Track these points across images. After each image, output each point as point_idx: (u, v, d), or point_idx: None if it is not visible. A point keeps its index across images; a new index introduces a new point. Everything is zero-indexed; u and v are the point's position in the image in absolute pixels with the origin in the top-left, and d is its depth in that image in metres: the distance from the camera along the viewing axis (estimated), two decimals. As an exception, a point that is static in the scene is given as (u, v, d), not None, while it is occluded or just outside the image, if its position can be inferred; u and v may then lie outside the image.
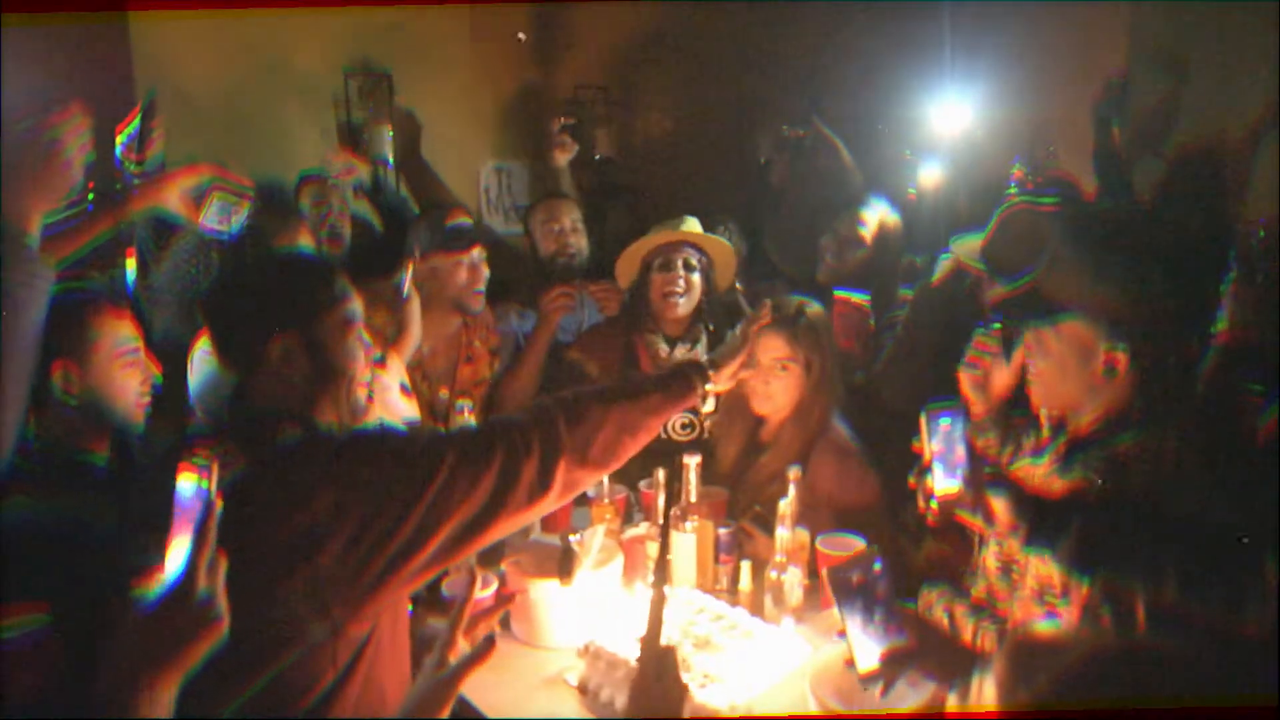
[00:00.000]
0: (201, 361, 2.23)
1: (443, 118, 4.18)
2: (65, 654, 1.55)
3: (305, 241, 2.48)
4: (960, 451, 1.70)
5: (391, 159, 3.87)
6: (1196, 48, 3.37)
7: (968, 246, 2.55)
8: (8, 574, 1.51)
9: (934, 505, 1.71)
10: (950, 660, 1.52)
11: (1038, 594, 1.68)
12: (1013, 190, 2.77)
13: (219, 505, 1.09)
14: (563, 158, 3.62)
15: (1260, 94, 2.84)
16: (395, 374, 2.29)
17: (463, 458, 1.43)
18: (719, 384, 1.83)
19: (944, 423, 1.71)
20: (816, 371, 2.32)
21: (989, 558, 1.83)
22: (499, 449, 1.46)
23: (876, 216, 2.98)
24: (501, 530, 1.47)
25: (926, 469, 1.71)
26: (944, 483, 1.69)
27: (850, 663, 1.52)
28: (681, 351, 2.75)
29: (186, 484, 1.10)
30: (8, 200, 1.30)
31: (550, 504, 1.53)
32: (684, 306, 2.71)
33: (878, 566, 1.55)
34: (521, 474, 1.45)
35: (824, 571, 1.60)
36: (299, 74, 3.80)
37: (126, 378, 1.80)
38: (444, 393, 2.73)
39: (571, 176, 3.65)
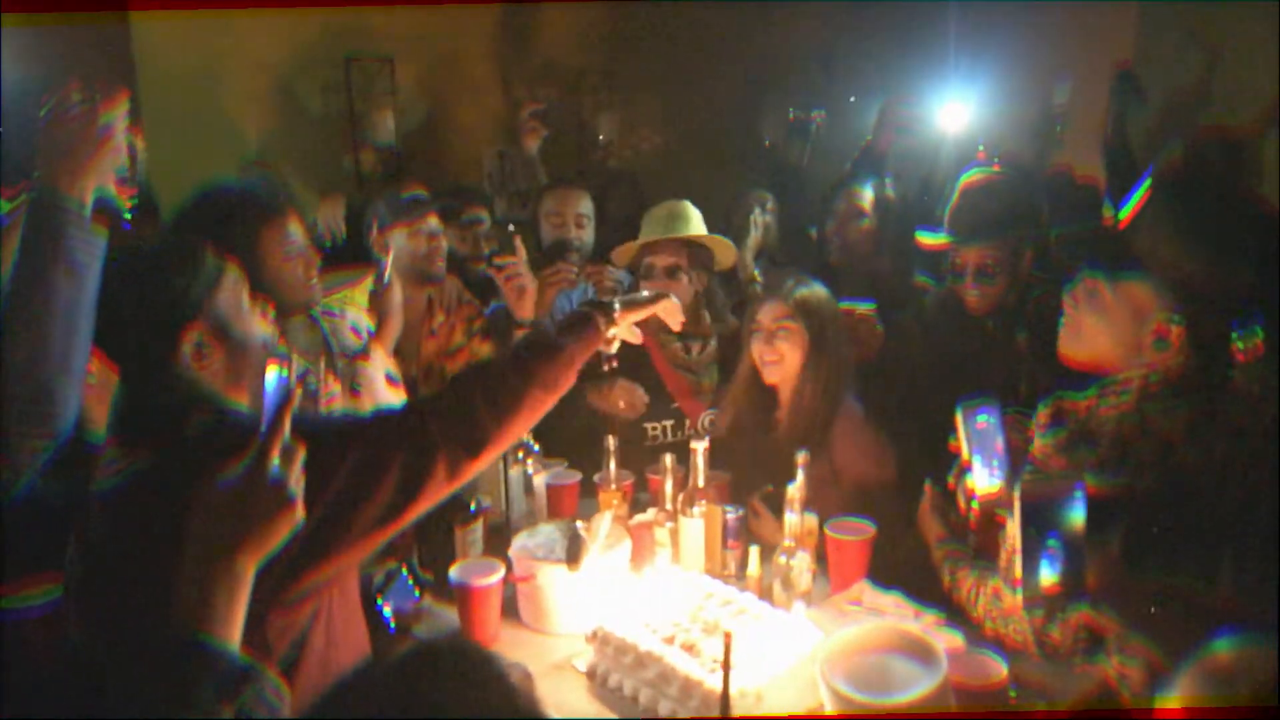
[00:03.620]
0: None
1: (445, 103, 4.16)
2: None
3: (294, 225, 2.44)
4: (999, 446, 1.67)
5: (396, 144, 3.87)
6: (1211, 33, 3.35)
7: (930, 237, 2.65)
8: (23, 544, 1.56)
9: (975, 506, 1.68)
10: (1124, 611, 1.48)
11: None
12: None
13: (297, 394, 1.16)
14: (533, 144, 3.60)
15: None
16: (379, 364, 2.29)
17: (373, 445, 1.41)
18: (619, 326, 1.76)
19: (981, 419, 1.67)
20: (815, 332, 2.38)
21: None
22: (406, 436, 1.44)
23: (871, 190, 3.07)
24: (424, 505, 1.44)
25: (966, 469, 1.67)
26: (985, 482, 1.65)
27: (1017, 583, 1.49)
28: (696, 349, 2.81)
29: (269, 376, 1.16)
30: (68, 177, 1.47)
31: (476, 469, 1.51)
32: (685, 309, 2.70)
33: (1079, 493, 1.50)
34: (436, 456, 1.44)
35: (1019, 486, 1.53)
36: (300, 61, 3.78)
37: None
38: (414, 369, 2.72)
39: (541, 162, 3.65)
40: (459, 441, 1.47)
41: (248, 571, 1.10)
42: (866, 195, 3.08)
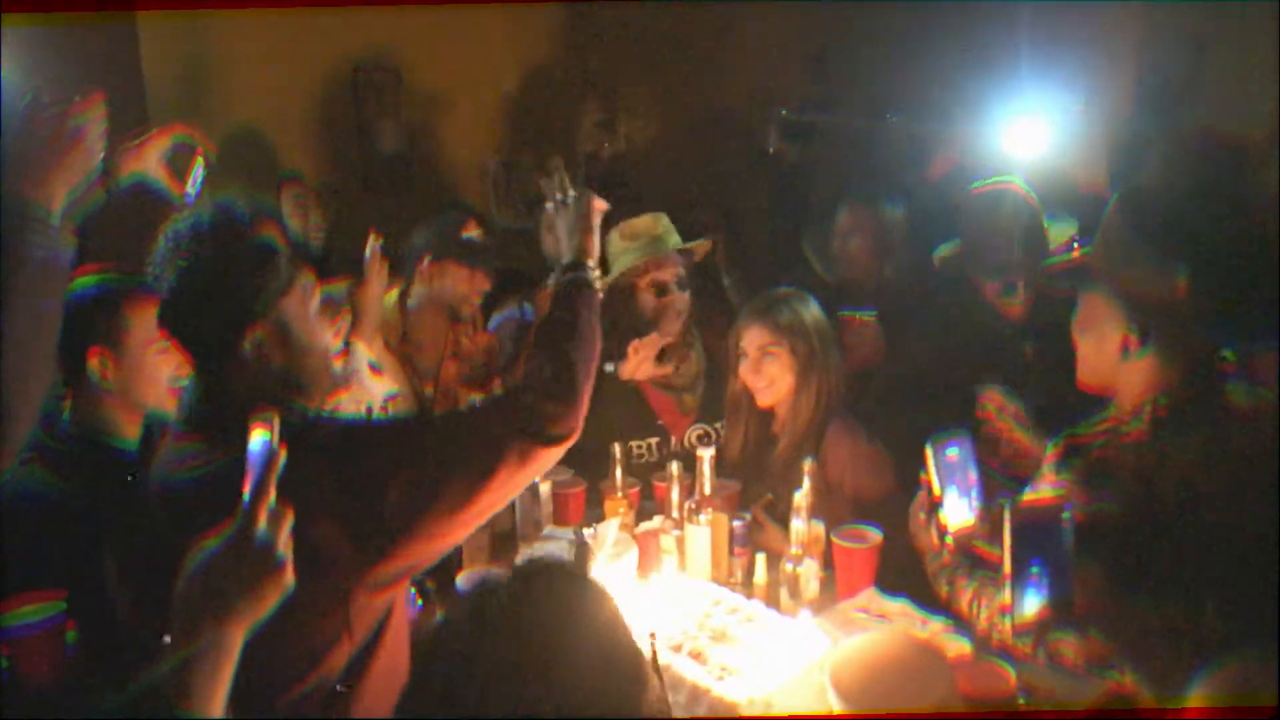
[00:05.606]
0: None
1: (451, 113, 4.18)
2: (81, 633, 1.59)
3: (276, 235, 2.48)
4: (971, 478, 1.66)
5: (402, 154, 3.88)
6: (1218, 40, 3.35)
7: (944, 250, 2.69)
8: (18, 545, 1.57)
9: (949, 541, 1.67)
10: (1119, 636, 1.48)
11: None
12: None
13: (281, 456, 1.10)
14: (596, 150, 3.60)
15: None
16: (361, 356, 2.35)
17: (449, 437, 1.50)
18: (595, 259, 1.81)
19: (951, 453, 1.65)
20: (804, 353, 2.35)
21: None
22: (480, 426, 1.53)
23: (875, 208, 3.02)
24: (499, 490, 1.49)
25: (938, 504, 1.66)
26: (958, 517, 1.64)
27: (1006, 609, 1.48)
28: (678, 364, 2.72)
29: (254, 437, 1.12)
30: (34, 182, 1.39)
31: (549, 457, 1.55)
32: (682, 322, 2.72)
33: (1067, 515, 1.49)
34: (509, 442, 1.49)
35: (1006, 510, 1.52)
36: (308, 70, 3.80)
37: (158, 365, 1.88)
38: (429, 389, 2.73)
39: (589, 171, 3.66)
40: (527, 430, 1.52)
41: (236, 642, 1.05)
42: (873, 210, 3.05)
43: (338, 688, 1.42)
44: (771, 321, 2.37)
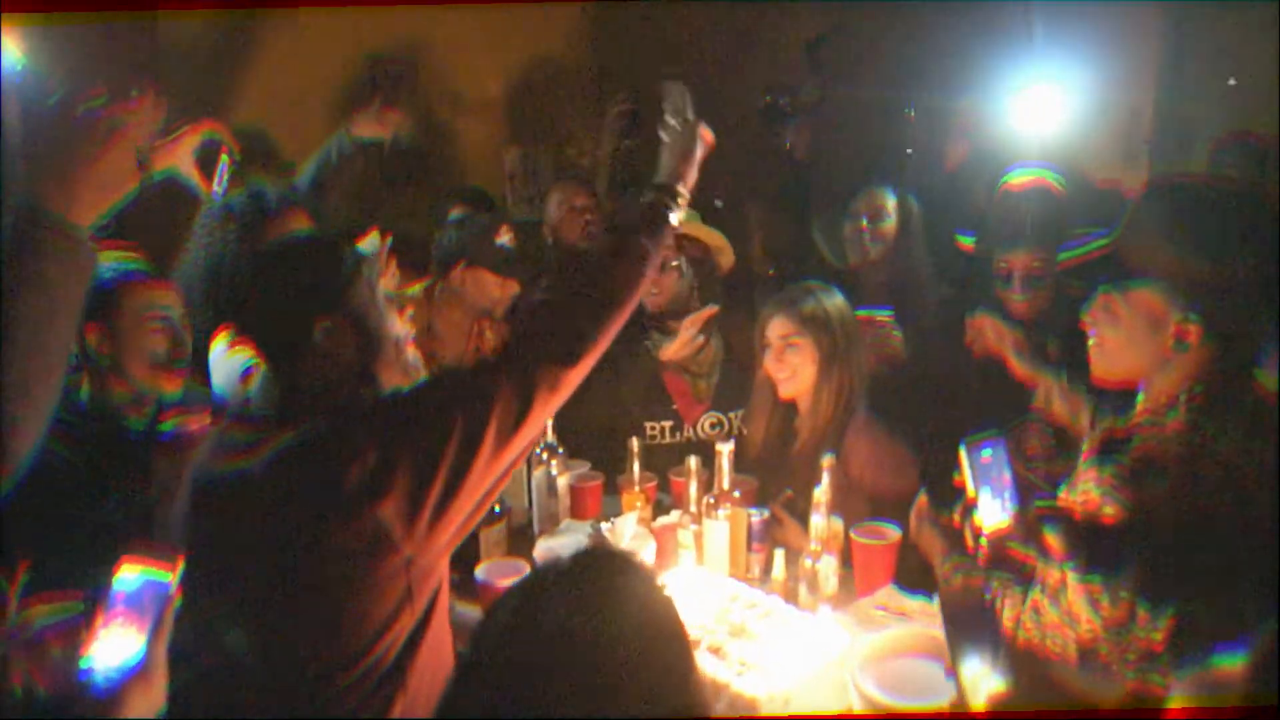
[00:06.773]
0: (226, 359, 2.30)
1: (466, 104, 4.17)
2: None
3: (300, 222, 2.52)
4: (1006, 479, 1.65)
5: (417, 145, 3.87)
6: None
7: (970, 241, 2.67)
8: (30, 512, 1.55)
9: (983, 543, 1.66)
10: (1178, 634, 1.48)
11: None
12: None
13: (177, 599, 1.14)
14: (614, 144, 3.61)
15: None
16: None
17: (481, 389, 1.47)
18: (687, 190, 1.77)
19: (985, 454, 1.65)
20: (826, 345, 2.36)
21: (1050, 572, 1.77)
22: (506, 368, 1.50)
23: (894, 197, 3.02)
24: (533, 434, 1.50)
25: (972, 505, 1.65)
26: (992, 518, 1.64)
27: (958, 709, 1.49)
28: (696, 349, 2.75)
29: (137, 575, 1.13)
30: (53, 186, 1.16)
31: (572, 388, 1.54)
32: (655, 302, 2.76)
33: (988, 596, 1.55)
34: (540, 377, 1.48)
35: (937, 602, 1.55)
36: (324, 62, 3.79)
37: (152, 341, 1.94)
38: None
39: (552, 164, 3.67)
40: (553, 355, 1.50)
41: None
42: (889, 198, 3.04)
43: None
44: (795, 312, 2.38)
